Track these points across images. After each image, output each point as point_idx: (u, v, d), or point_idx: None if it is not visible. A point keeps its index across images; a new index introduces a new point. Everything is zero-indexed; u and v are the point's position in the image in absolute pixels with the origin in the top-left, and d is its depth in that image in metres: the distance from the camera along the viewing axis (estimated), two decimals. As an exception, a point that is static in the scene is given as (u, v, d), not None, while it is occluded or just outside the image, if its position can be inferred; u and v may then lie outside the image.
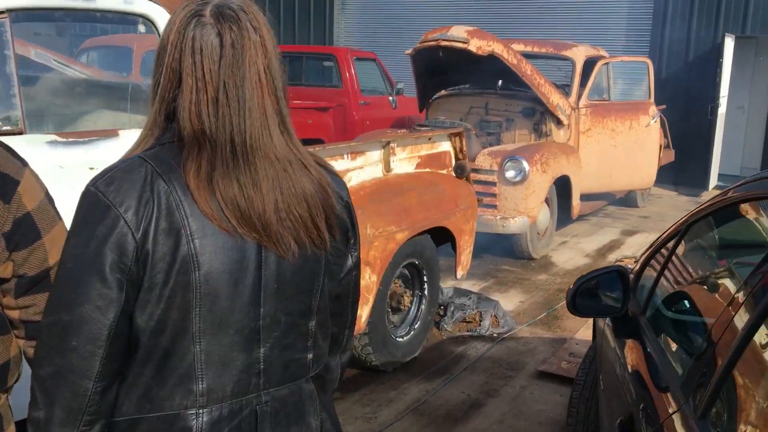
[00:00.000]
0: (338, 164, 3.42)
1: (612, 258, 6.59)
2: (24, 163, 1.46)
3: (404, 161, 4.03)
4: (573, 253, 6.87)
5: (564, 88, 7.28)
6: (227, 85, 1.16)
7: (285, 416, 1.30)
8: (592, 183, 7.38)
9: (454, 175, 4.40)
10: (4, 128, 2.40)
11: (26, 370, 1.53)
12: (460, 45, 6.10)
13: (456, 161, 4.42)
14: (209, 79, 1.16)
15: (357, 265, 1.42)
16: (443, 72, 7.04)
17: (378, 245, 3.50)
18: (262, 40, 1.21)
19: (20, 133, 2.41)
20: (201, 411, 1.19)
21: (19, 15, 2.47)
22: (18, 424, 1.52)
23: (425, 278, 4.15)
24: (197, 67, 1.16)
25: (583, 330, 4.67)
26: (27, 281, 1.47)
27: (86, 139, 2.65)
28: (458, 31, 6.20)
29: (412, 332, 4.12)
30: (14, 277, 1.45)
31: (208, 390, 1.20)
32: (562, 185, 6.77)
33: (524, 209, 6.08)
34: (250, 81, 1.18)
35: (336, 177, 1.36)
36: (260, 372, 1.25)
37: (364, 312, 3.47)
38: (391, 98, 9.72)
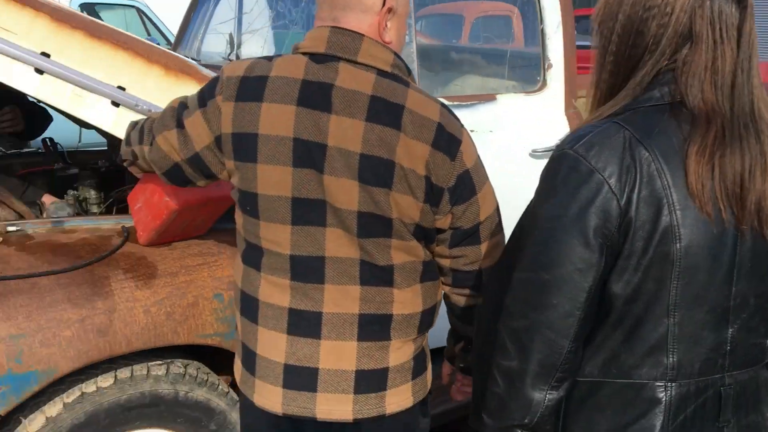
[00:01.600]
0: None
1: None
2: (461, 124, 1.56)
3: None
4: None
5: None
6: (745, 55, 1.11)
7: (744, 402, 1.24)
8: None
9: None
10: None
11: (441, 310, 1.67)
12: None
13: None
14: (728, 48, 1.11)
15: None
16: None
17: None
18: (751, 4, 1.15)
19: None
20: (670, 385, 1.18)
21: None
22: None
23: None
24: (720, 33, 1.11)
25: None
26: (461, 233, 1.57)
27: (468, 102, 2.78)
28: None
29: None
30: (450, 228, 1.57)
31: (678, 365, 1.18)
32: None
33: None
34: (756, 49, 1.12)
35: None
36: (726, 353, 1.20)
37: None
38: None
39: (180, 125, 1.64)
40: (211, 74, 2.27)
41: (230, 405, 2.15)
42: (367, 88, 1.47)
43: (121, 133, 2.09)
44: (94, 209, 2.76)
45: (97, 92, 2.08)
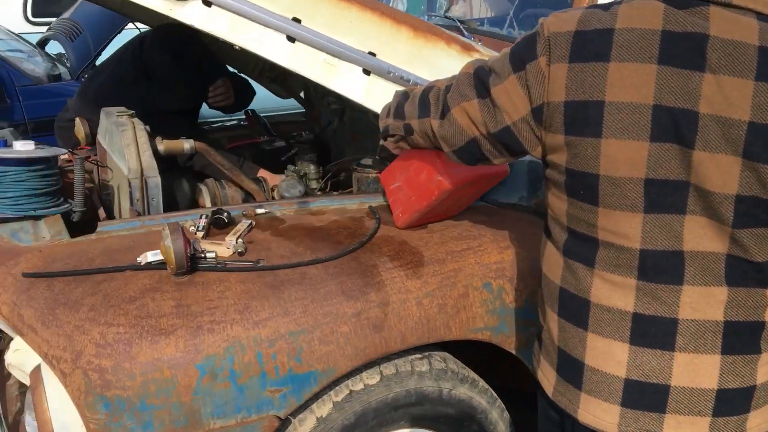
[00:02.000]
0: None
1: None
2: None
3: None
4: None
5: None
6: None
7: None
8: None
9: None
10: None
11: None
12: None
13: None
14: None
15: None
16: None
17: None
18: None
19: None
20: None
21: None
22: None
23: None
24: None
25: None
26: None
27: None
28: None
29: None
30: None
31: None
32: None
33: None
34: None
35: None
36: None
37: None
38: None
39: (483, 94, 1.41)
40: (457, 37, 2.02)
41: (490, 403, 1.95)
42: (752, 37, 1.16)
43: (373, 104, 1.90)
44: (314, 185, 2.62)
45: (349, 60, 1.89)
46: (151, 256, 1.72)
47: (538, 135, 1.36)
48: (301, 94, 3.38)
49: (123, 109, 2.32)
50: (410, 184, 1.82)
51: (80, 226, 2.13)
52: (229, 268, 1.71)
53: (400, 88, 1.92)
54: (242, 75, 3.21)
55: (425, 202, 1.80)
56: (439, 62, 1.97)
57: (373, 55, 1.91)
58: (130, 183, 2.03)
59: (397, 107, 1.68)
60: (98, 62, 4.61)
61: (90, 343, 1.54)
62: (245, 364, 1.57)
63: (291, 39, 1.85)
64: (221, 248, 1.77)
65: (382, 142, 1.83)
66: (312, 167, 2.58)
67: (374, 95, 1.90)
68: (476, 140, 1.45)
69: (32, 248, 1.85)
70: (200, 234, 1.85)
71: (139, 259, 1.73)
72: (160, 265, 1.71)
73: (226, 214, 1.92)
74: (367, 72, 1.91)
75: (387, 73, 1.90)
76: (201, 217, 1.90)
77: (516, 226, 1.99)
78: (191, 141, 2.23)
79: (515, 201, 2.14)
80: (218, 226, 1.91)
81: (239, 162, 2.62)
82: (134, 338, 1.53)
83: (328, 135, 3.02)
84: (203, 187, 2.41)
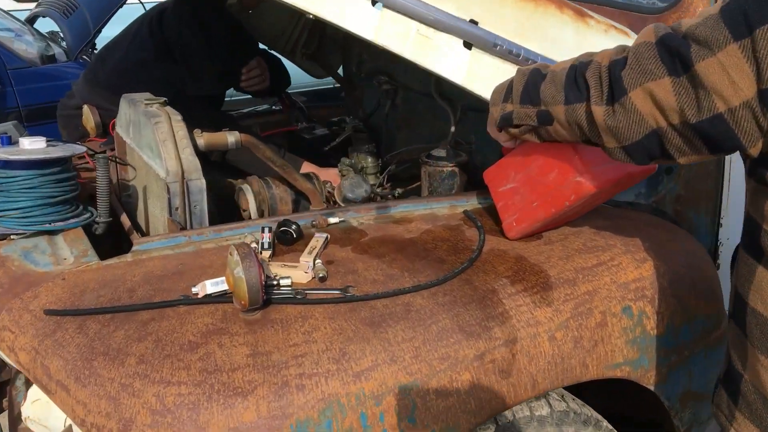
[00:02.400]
0: None
1: None
2: None
3: None
4: None
5: None
6: None
7: None
8: None
9: None
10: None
11: None
12: None
13: None
14: None
15: None
16: None
17: None
18: None
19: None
20: None
21: None
22: None
23: None
24: None
25: None
26: None
27: None
28: None
29: None
30: None
31: None
32: None
33: None
34: None
35: None
36: None
37: None
38: None
39: (679, 71, 1.03)
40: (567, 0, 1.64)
41: (617, 446, 1.59)
42: None
43: (477, 86, 1.52)
44: (372, 180, 2.24)
45: (447, 30, 1.50)
46: (211, 285, 1.34)
47: (762, 125, 0.99)
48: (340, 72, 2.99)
49: (150, 95, 1.92)
50: (532, 185, 1.45)
51: (102, 239, 1.75)
52: (312, 300, 1.33)
53: (509, 65, 1.54)
54: (273, 53, 2.81)
55: (553, 209, 1.43)
56: (551, 32, 1.59)
57: (475, 23, 1.53)
58: (168, 188, 1.64)
59: (526, 89, 1.31)
60: (98, 41, 4.19)
61: (143, 409, 1.16)
62: (346, 430, 1.20)
63: (375, 2, 1.46)
64: (297, 272, 1.40)
65: (493, 131, 1.45)
66: (370, 160, 2.20)
67: (477, 74, 1.52)
68: (661, 133, 1.08)
69: (53, 274, 1.47)
70: (266, 253, 1.48)
71: (194, 290, 1.35)
72: (223, 297, 1.34)
73: (294, 226, 1.54)
74: (468, 45, 1.52)
75: (493, 47, 1.52)
76: (264, 231, 1.52)
77: (645, 231, 1.63)
78: (236, 133, 1.84)
79: (632, 199, 1.78)
80: (285, 241, 1.53)
81: (280, 153, 2.24)
82: (202, 401, 1.16)
83: (376, 120, 2.64)
84: (245, 187, 2.02)
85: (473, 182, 2.11)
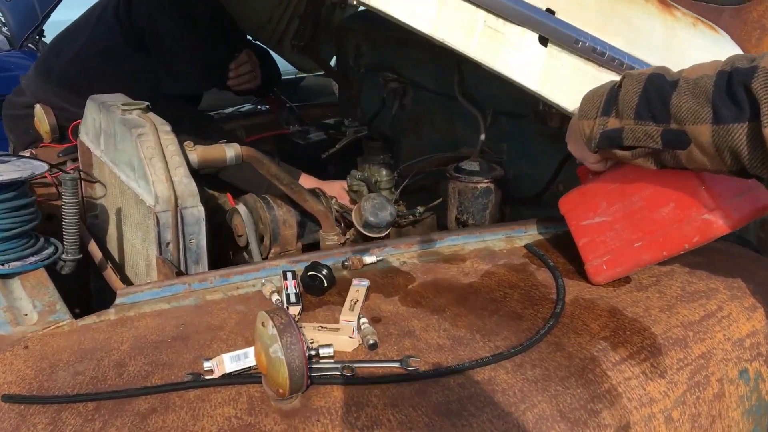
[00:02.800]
0: None
1: None
2: None
3: None
4: None
5: None
6: None
7: None
8: None
9: None
10: None
11: None
12: None
13: None
14: None
15: None
16: None
17: None
18: None
19: None
20: None
21: None
22: None
23: None
24: None
25: None
26: None
27: None
28: None
29: None
30: None
31: None
32: None
33: None
34: None
35: None
36: None
37: None
38: None
39: None
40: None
41: None
42: None
43: (553, 93, 1.21)
44: (386, 195, 1.91)
45: (520, 21, 1.19)
46: (231, 361, 1.01)
47: None
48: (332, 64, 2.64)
49: (127, 99, 1.56)
50: (634, 221, 1.15)
51: (69, 279, 1.40)
52: (365, 379, 1.01)
53: (590, 66, 1.24)
54: (258, 44, 2.45)
55: (665, 252, 1.14)
56: (638, 24, 1.30)
57: (552, 13, 1.21)
58: (157, 218, 1.29)
59: (646, 101, 1.00)
60: (47, 27, 3.74)
61: None
62: None
63: (435, -12, 1.13)
64: (339, 338, 1.07)
65: (580, 150, 1.15)
66: (384, 173, 1.87)
67: (554, 77, 1.21)
68: None
69: (11, 340, 1.11)
70: (294, 309, 1.14)
71: (207, 365, 1.01)
72: (247, 377, 1.00)
73: (325, 270, 1.21)
74: (543, 41, 1.21)
75: (574, 43, 1.21)
76: (287, 277, 1.18)
77: (744, 269, 1.35)
78: (235, 146, 1.50)
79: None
80: (315, 291, 1.20)
81: (275, 163, 1.89)
82: None
83: (380, 123, 2.31)
84: (241, 209, 1.68)
85: (506, 200, 1.82)
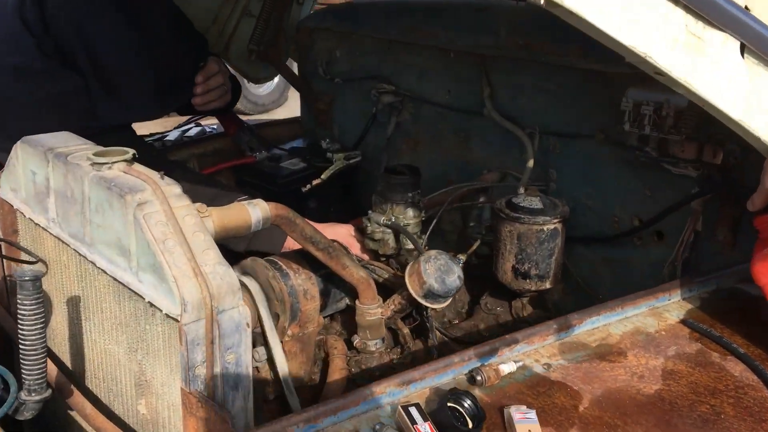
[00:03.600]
0: None
1: None
2: None
3: None
4: None
5: None
6: None
7: None
8: None
9: None
10: None
11: None
12: None
13: None
14: None
15: None
16: None
17: None
18: None
19: None
20: None
21: None
22: None
23: None
24: None
25: None
26: None
27: None
28: None
29: None
30: None
31: None
32: None
33: None
34: None
35: None
36: None
37: None
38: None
39: None
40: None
41: None
42: None
43: (754, 120, 0.88)
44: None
45: (723, 23, 0.84)
46: None
47: None
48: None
49: (77, 139, 1.08)
50: None
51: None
52: None
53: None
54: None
55: None
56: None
57: (747, 9, 0.88)
58: (184, 334, 0.84)
59: None
60: None
61: None
62: None
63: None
64: None
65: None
66: (412, 214, 1.47)
67: (760, 101, 0.87)
68: None
69: None
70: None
71: None
72: None
73: (469, 401, 0.80)
74: (742, 50, 0.87)
75: (781, 53, 0.88)
76: (414, 418, 0.77)
77: None
78: (261, 204, 1.05)
79: None
80: (461, 436, 0.79)
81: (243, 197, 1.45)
82: None
83: (366, 145, 1.90)
84: (249, 283, 1.23)
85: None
